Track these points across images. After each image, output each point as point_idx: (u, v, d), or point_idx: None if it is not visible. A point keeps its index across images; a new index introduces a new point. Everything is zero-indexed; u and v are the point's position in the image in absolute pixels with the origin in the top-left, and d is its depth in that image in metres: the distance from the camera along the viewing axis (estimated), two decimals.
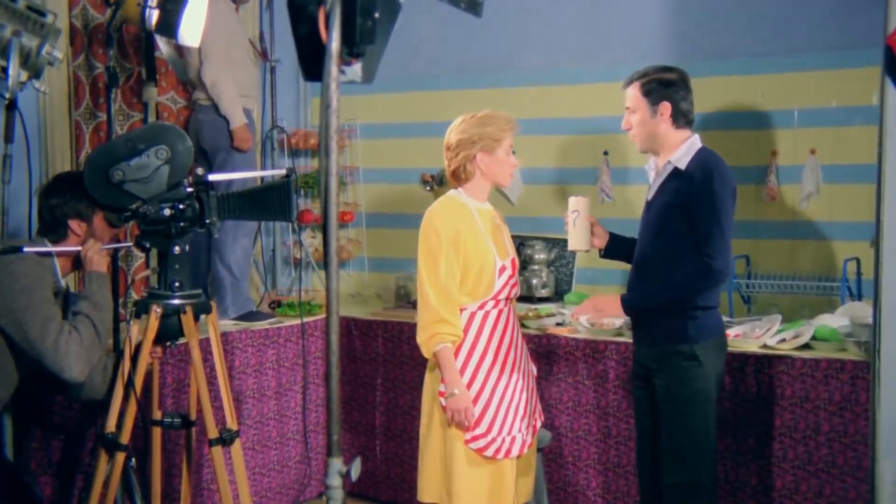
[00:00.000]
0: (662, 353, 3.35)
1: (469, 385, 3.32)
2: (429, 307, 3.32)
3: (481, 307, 3.37)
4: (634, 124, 3.45)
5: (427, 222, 3.39)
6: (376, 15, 1.77)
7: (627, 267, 3.57)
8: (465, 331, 3.35)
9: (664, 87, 3.40)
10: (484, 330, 3.37)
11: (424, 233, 3.38)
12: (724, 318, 3.65)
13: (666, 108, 3.39)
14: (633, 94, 3.44)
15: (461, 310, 3.36)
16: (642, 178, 3.64)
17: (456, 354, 3.34)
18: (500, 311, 3.41)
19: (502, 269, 3.39)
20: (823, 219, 4.43)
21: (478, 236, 3.37)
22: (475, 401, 3.32)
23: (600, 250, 3.66)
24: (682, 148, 3.39)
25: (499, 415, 3.34)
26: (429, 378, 3.45)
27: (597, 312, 3.54)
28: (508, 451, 3.35)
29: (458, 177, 3.44)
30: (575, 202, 3.60)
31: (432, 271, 3.33)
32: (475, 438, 3.31)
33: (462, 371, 3.34)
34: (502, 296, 3.40)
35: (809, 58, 4.42)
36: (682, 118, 3.42)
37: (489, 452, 3.31)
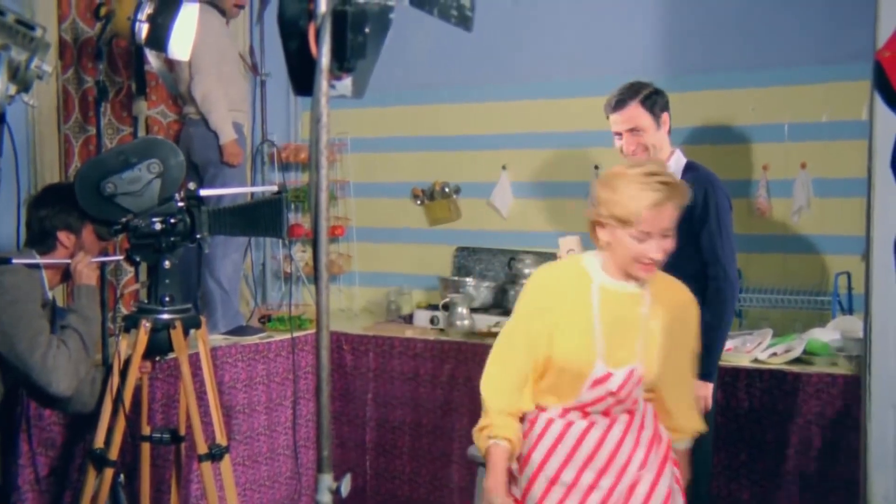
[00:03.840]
0: None
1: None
2: (505, 372, 2.66)
3: (563, 414, 2.65)
4: (648, 144, 3.37)
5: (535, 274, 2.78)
6: (367, 30, 1.76)
7: None
8: (539, 438, 2.65)
9: (661, 97, 3.40)
10: (562, 442, 2.62)
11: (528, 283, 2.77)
12: None
13: (667, 118, 3.39)
14: (637, 112, 3.37)
15: (541, 410, 2.68)
16: None
17: (523, 464, 2.66)
18: (592, 424, 2.63)
19: (602, 379, 2.57)
20: (814, 233, 4.44)
21: (582, 324, 2.60)
22: None
23: None
24: (672, 161, 3.39)
25: None
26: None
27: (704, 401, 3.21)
28: None
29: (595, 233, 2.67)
30: (568, 241, 3.58)
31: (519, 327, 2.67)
32: None
33: (530, 484, 2.64)
34: (595, 409, 2.62)
35: (800, 72, 4.43)
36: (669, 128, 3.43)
37: None
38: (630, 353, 2.58)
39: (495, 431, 2.60)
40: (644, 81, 3.45)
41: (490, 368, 2.68)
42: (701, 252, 3.29)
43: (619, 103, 3.40)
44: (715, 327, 3.25)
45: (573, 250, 3.56)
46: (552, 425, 2.63)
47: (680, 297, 2.72)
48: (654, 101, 3.37)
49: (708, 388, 3.27)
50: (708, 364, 3.24)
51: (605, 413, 2.60)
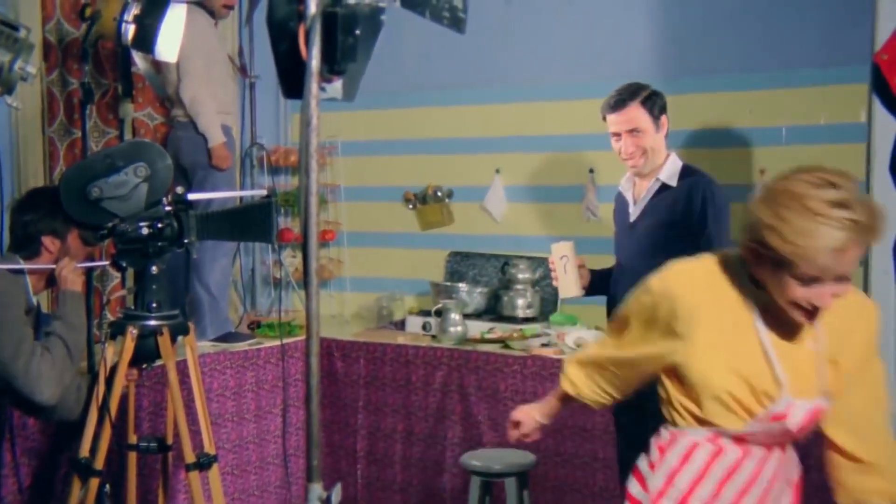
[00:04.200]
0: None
1: None
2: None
3: (713, 439, 2.17)
4: (647, 146, 3.33)
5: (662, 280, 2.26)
6: (357, 32, 1.73)
7: None
8: (684, 461, 2.20)
9: (660, 98, 3.36)
10: (709, 473, 2.17)
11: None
12: None
13: (665, 120, 3.35)
14: (637, 113, 3.31)
15: (678, 434, 2.23)
16: None
17: (667, 484, 2.20)
18: (747, 454, 2.15)
19: (782, 416, 2.08)
20: None
21: (749, 346, 2.09)
22: None
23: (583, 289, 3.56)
24: (668, 164, 3.36)
25: None
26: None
27: None
28: None
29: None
30: (561, 247, 3.51)
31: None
32: None
33: None
34: (756, 439, 2.15)
35: (797, 74, 4.40)
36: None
37: None
38: (810, 382, 2.08)
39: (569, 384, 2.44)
40: (642, 83, 3.41)
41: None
42: None
43: (619, 103, 3.34)
44: None
45: (566, 257, 3.50)
46: (697, 451, 2.17)
47: (853, 299, 2.10)
48: (654, 102, 3.34)
49: None
50: None
51: (765, 444, 2.16)
